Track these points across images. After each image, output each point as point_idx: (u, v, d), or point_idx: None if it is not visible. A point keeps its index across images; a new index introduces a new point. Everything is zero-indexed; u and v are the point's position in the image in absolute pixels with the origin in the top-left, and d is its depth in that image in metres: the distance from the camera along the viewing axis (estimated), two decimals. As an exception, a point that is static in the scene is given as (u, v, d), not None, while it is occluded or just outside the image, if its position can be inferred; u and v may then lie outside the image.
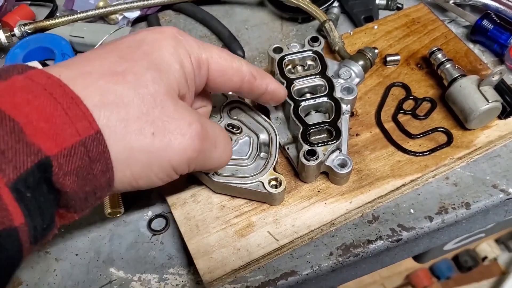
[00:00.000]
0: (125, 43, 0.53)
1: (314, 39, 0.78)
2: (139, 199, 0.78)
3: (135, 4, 0.96)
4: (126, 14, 0.97)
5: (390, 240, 0.71)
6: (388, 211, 0.74)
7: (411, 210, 0.73)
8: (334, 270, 0.71)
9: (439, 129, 0.77)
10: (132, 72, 0.49)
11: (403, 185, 0.72)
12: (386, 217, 0.73)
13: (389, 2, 0.97)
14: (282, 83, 0.75)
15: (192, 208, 0.71)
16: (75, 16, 0.94)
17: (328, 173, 0.72)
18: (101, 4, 0.98)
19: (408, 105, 0.80)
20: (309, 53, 0.78)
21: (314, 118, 0.74)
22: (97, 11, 0.95)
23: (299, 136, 0.70)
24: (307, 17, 0.94)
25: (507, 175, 0.76)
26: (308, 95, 0.76)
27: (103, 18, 0.99)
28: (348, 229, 0.72)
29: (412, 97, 0.80)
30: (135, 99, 0.49)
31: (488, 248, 2.16)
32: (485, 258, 2.17)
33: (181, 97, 0.55)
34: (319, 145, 0.69)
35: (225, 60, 0.59)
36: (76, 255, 0.73)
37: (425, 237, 0.74)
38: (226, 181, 0.69)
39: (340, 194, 0.72)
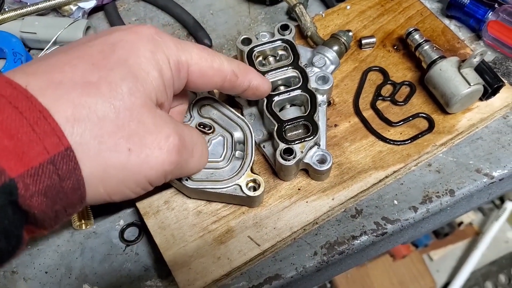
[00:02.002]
0: (98, 46, 0.47)
1: (284, 27, 0.73)
2: (109, 207, 0.73)
3: (90, -8, 0.89)
4: (81, 5, 0.90)
5: (375, 234, 0.69)
6: (371, 203, 0.71)
7: (395, 202, 0.71)
8: (319, 270, 0.68)
9: (419, 114, 0.74)
10: (107, 83, 0.45)
11: (386, 176, 0.69)
12: (370, 210, 0.70)
13: (361, -21, 0.92)
14: (254, 76, 0.70)
15: (166, 216, 0.67)
16: (24, 10, 0.87)
17: (308, 170, 0.69)
18: (52, -6, 0.90)
19: (387, 90, 0.77)
20: (280, 42, 0.73)
21: (290, 112, 0.70)
22: (48, 3, 0.88)
23: (275, 133, 0.66)
24: (275, -1, 0.89)
25: (490, 158, 0.74)
26: (282, 88, 0.72)
27: (56, 10, 0.91)
28: (331, 226, 0.70)
29: (390, 81, 0.77)
30: (110, 113, 0.44)
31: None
32: (461, 223, 2.20)
33: (159, 105, 0.51)
34: (296, 142, 0.65)
35: (206, 60, 0.54)
36: (46, 272, 0.69)
37: (410, 227, 0.72)
38: (200, 186, 0.64)
39: (321, 191, 0.68)
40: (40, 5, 0.87)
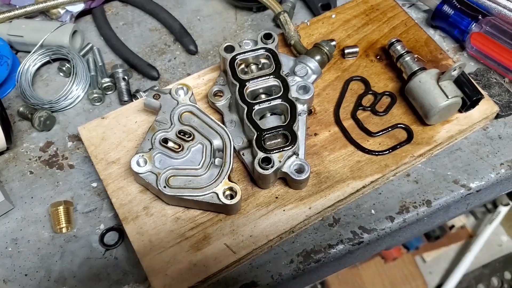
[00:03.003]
0: None
1: (267, 36, 0.74)
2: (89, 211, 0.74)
3: (78, -4, 0.89)
4: (69, 8, 0.90)
5: (351, 243, 0.70)
6: (349, 212, 0.72)
7: (372, 211, 0.72)
8: (295, 277, 0.69)
9: (398, 125, 0.74)
10: None
11: (363, 186, 0.70)
12: (347, 219, 0.71)
13: (347, -13, 0.93)
14: (234, 85, 0.71)
15: (144, 222, 0.68)
16: (12, 13, 0.87)
17: (286, 178, 0.69)
18: (41, -3, 0.91)
19: (368, 100, 0.77)
20: (262, 51, 0.74)
21: (270, 121, 0.71)
22: (36, 6, 0.88)
23: (254, 142, 0.67)
24: (262, 6, 0.89)
25: (468, 169, 0.74)
26: (263, 96, 0.72)
27: (44, 13, 0.92)
28: (308, 234, 0.70)
29: (371, 91, 0.78)
30: None
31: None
32: (452, 226, 2.21)
33: None
34: (275, 151, 0.66)
35: None
36: (26, 275, 0.70)
37: (387, 237, 0.72)
38: (178, 193, 0.65)
39: (299, 200, 0.69)
40: (28, 8, 0.88)
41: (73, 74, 0.82)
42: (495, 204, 2.33)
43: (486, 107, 0.75)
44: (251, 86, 0.71)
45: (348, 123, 0.75)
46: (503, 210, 2.29)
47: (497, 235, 2.33)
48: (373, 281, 2.16)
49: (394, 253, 2.07)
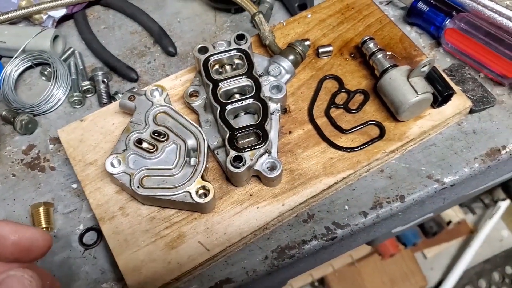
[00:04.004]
0: None
1: (240, 37, 0.75)
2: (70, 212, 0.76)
3: (60, 2, 0.91)
4: (51, 13, 0.92)
5: (325, 239, 0.71)
6: (323, 209, 0.73)
7: (346, 207, 0.73)
8: (270, 273, 0.70)
9: (371, 122, 0.75)
10: None
11: (335, 183, 0.71)
12: (321, 215, 0.72)
13: (324, -14, 0.94)
14: (208, 86, 0.72)
15: (120, 222, 0.69)
16: (-6, 19, 0.89)
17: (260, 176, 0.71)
18: (23, 3, 0.92)
19: (341, 98, 0.78)
20: (235, 52, 0.75)
21: (243, 120, 0.72)
22: (19, 12, 0.90)
23: (226, 141, 0.68)
24: (240, 8, 0.90)
25: (442, 164, 0.75)
26: (237, 96, 0.74)
27: (27, 18, 0.94)
28: (283, 231, 0.72)
29: (344, 90, 0.79)
30: None
31: (452, 213, 2.20)
32: (449, 222, 2.21)
33: None
34: (246, 150, 0.67)
35: None
36: (8, 275, 0.71)
37: (361, 232, 0.74)
38: (151, 193, 0.67)
39: (272, 197, 0.70)
40: (10, 14, 0.90)
41: (53, 78, 0.84)
42: (494, 200, 2.34)
43: (459, 102, 0.76)
44: (224, 86, 0.72)
45: (322, 121, 0.76)
46: (503, 205, 2.29)
47: (497, 230, 2.33)
48: (372, 278, 2.16)
49: (391, 249, 2.08)
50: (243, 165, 0.66)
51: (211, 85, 0.72)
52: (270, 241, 0.71)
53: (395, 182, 0.74)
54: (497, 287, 2.24)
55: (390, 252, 2.09)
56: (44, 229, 0.73)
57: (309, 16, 0.87)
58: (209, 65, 0.74)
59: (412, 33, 0.90)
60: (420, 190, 0.74)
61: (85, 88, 0.84)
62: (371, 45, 0.78)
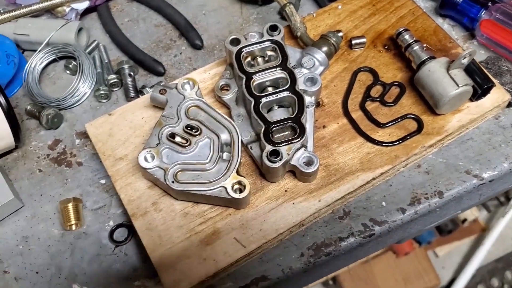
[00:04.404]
0: None
1: (273, 28, 0.73)
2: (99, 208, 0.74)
3: (83, -6, 0.89)
4: (74, 6, 0.90)
5: (362, 236, 0.69)
6: (359, 205, 0.71)
7: (383, 203, 0.71)
8: (306, 271, 0.68)
9: (408, 116, 0.73)
10: None
11: (373, 178, 0.69)
12: (358, 211, 0.70)
13: (354, -22, 0.92)
14: (241, 78, 0.70)
15: (153, 217, 0.67)
16: (18, 12, 0.88)
17: (295, 171, 0.69)
18: (46, -5, 0.91)
19: (376, 91, 0.76)
20: (268, 43, 0.73)
21: (277, 113, 0.70)
22: (41, 5, 0.88)
23: (261, 135, 0.66)
24: (268, -1, 0.89)
25: (480, 159, 0.73)
26: (270, 89, 0.72)
27: (50, 11, 0.92)
28: (318, 227, 0.70)
29: (380, 82, 0.76)
30: None
31: (467, 211, 2.17)
32: (464, 220, 2.19)
33: None
34: (283, 144, 0.65)
35: None
36: (37, 272, 0.70)
37: (399, 229, 0.72)
38: (186, 188, 0.65)
39: (308, 193, 0.68)
40: (33, 7, 0.88)
41: (79, 72, 0.82)
42: (508, 197, 2.31)
43: (498, 95, 0.74)
44: (257, 79, 0.71)
45: (357, 115, 0.74)
46: (516, 203, 2.26)
47: (510, 228, 2.31)
48: (385, 276, 2.14)
49: (406, 248, 2.06)
50: (280, 160, 0.64)
51: (244, 77, 0.70)
52: (306, 238, 0.69)
53: (433, 178, 0.72)
54: (510, 286, 2.21)
55: (405, 251, 2.07)
56: (74, 225, 0.71)
57: (339, 7, 0.85)
58: (241, 57, 0.72)
59: (444, 25, 0.88)
60: (458, 185, 0.71)
61: (111, 82, 0.82)
62: (406, 36, 0.76)
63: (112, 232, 0.71)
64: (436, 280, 2.16)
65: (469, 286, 2.16)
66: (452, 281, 2.19)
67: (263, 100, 0.69)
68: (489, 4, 0.82)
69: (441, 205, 0.72)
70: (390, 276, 2.14)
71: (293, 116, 0.68)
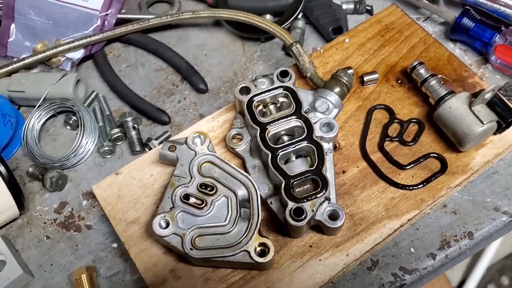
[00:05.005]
0: None
1: (284, 74, 0.70)
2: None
3: (77, 42, 0.85)
4: (69, 55, 0.86)
5: (393, 287, 0.65)
6: (387, 253, 0.68)
7: (412, 249, 0.68)
8: (338, 330, 0.65)
9: (431, 155, 0.70)
10: None
11: (401, 225, 0.66)
12: (386, 260, 0.67)
13: (357, 6, 0.89)
14: (255, 130, 0.67)
15: (173, 286, 0.63)
16: (11, 67, 0.84)
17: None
18: (39, 47, 0.87)
19: (394, 129, 0.73)
20: (280, 90, 0.70)
21: (296, 165, 0.66)
22: (35, 57, 0.84)
23: (282, 191, 0.63)
24: (270, 35, 0.85)
25: (508, 193, 0.70)
26: (285, 138, 0.68)
27: (43, 62, 0.88)
28: (347, 281, 0.66)
29: (397, 120, 0.73)
30: None
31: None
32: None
33: None
34: (306, 200, 0.62)
35: None
36: None
37: (429, 275, 0.68)
38: (207, 255, 0.61)
39: (335, 246, 0.65)
40: (26, 61, 0.84)
41: (81, 128, 0.78)
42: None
43: (521, 125, 0.71)
44: (272, 130, 0.67)
45: (376, 157, 0.71)
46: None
47: (516, 224, 2.29)
48: None
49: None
50: (305, 218, 0.61)
51: (258, 129, 0.67)
52: (335, 294, 0.65)
53: (461, 218, 0.69)
54: (521, 283, 2.19)
55: None
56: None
57: (346, 40, 0.81)
58: (253, 107, 0.69)
59: (456, 50, 0.84)
60: (488, 224, 0.68)
61: (115, 136, 0.78)
62: (421, 70, 0.72)
63: (129, 302, 0.68)
64: (447, 285, 2.13)
65: (479, 287, 2.14)
66: (463, 282, 2.17)
67: (281, 152, 0.65)
68: (502, 27, 0.79)
69: (472, 246, 0.68)
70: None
71: (313, 167, 0.64)
